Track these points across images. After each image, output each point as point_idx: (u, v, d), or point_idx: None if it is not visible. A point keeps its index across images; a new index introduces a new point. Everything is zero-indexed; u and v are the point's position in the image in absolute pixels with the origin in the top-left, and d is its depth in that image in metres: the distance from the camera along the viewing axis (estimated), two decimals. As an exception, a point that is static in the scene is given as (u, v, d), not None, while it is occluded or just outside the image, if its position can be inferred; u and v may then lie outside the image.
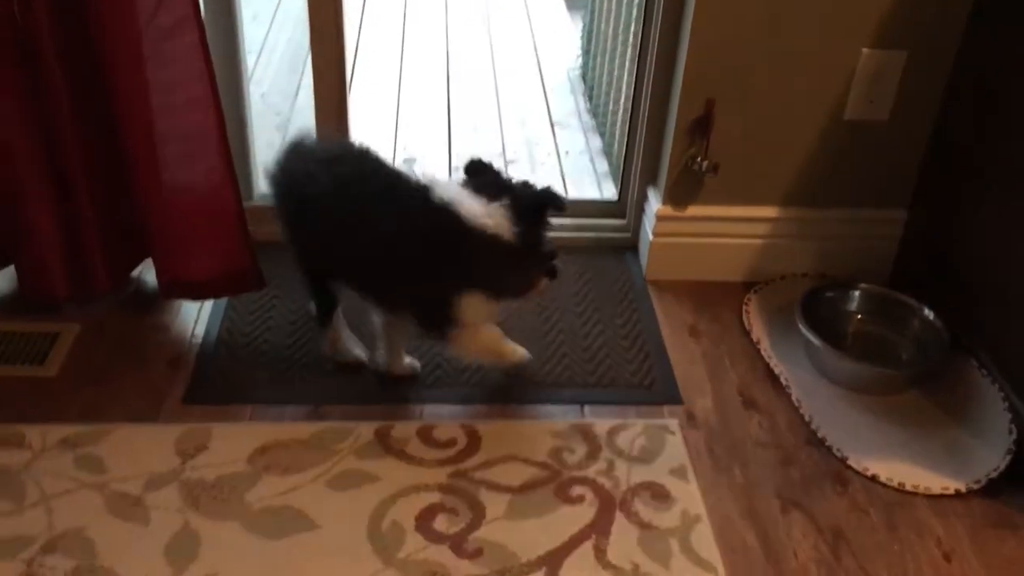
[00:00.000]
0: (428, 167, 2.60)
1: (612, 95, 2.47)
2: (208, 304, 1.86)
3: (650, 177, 2.01)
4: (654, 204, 1.97)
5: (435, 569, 1.37)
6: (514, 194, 1.53)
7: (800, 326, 1.76)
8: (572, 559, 1.40)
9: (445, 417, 1.64)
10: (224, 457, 1.53)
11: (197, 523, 1.42)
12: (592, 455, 1.57)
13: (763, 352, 1.82)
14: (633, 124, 2.01)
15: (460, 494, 1.49)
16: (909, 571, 1.42)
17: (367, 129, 2.78)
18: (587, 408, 1.68)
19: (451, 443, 1.58)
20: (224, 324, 1.81)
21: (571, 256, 1.99)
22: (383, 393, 1.68)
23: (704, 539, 1.44)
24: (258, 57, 3.05)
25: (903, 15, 1.74)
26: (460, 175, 1.61)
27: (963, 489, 1.54)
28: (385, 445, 1.57)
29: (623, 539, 1.43)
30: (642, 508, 1.48)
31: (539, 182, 1.59)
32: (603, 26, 2.69)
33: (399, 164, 2.36)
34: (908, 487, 1.54)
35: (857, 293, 1.88)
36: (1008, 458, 1.56)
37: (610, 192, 2.19)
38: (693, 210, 1.95)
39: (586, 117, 2.87)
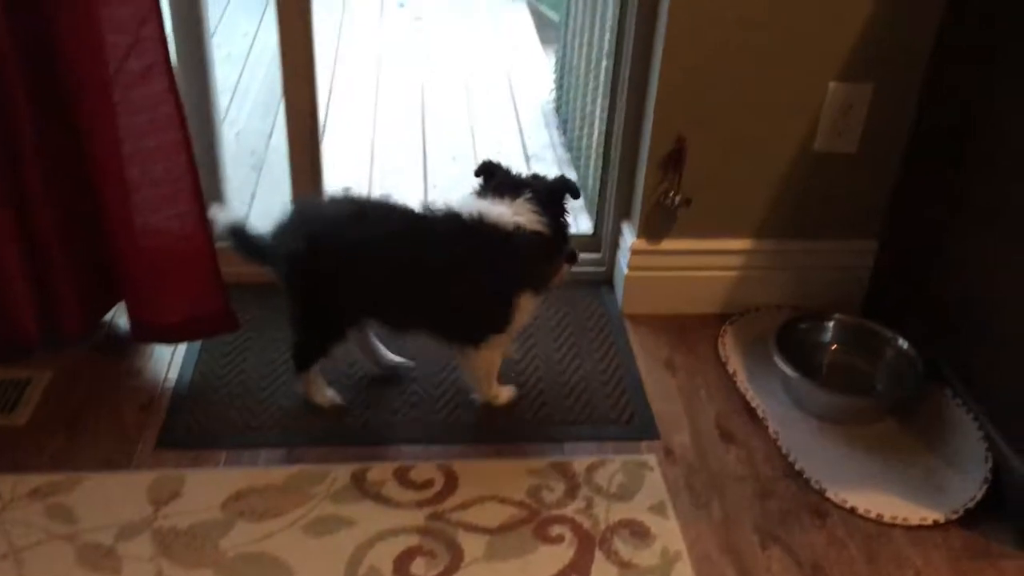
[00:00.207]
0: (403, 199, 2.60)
1: (586, 129, 2.49)
2: (181, 347, 1.84)
3: (624, 211, 2.02)
4: (628, 238, 1.98)
5: (413, 614, 1.35)
6: (532, 187, 1.60)
7: (775, 358, 1.76)
8: (551, 601, 1.39)
9: (421, 457, 1.63)
10: (197, 504, 1.51)
11: (170, 572, 1.40)
12: (570, 493, 1.57)
13: (739, 384, 1.82)
14: (606, 159, 2.02)
15: (438, 536, 1.47)
16: (889, 604, 1.42)
17: (342, 163, 2.79)
18: (565, 445, 1.68)
19: (428, 484, 1.57)
20: (198, 367, 1.79)
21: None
22: (358, 434, 1.67)
23: (684, 577, 1.43)
24: (232, 97, 3.05)
25: (868, 49, 1.77)
26: (474, 183, 1.67)
27: (941, 520, 1.54)
28: (361, 488, 1.55)
29: (603, 579, 1.42)
30: (622, 547, 1.47)
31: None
32: (575, 61, 2.71)
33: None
34: (887, 519, 1.54)
35: (831, 324, 1.89)
36: (985, 487, 1.57)
37: (586, 226, 2.20)
38: (667, 243, 1.96)
39: (561, 150, 2.89)
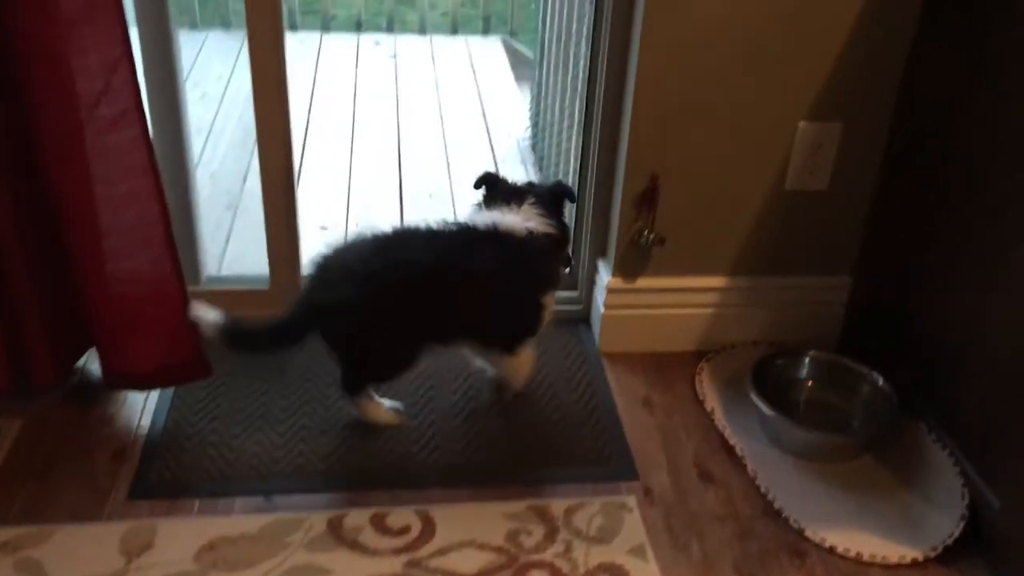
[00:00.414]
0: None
1: (561, 167, 2.50)
2: (154, 393, 1.82)
3: (600, 250, 2.02)
4: (604, 276, 1.99)
5: (390, 666, 1.33)
6: (534, 193, 1.71)
7: (752, 396, 1.77)
8: (531, 649, 1.37)
9: (399, 501, 1.61)
10: (170, 555, 1.48)
11: (142, 628, 1.37)
12: (550, 536, 1.55)
13: (717, 422, 1.82)
14: (581, 198, 2.03)
15: (415, 584, 1.45)
16: (870, 645, 1.42)
17: (319, 201, 2.78)
18: (543, 486, 1.66)
19: (405, 530, 1.55)
20: (171, 414, 1.77)
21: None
22: (335, 480, 1.65)
23: (664, 621, 1.42)
24: (207, 137, 3.05)
25: (837, 89, 1.79)
26: (474, 196, 1.76)
27: (920, 558, 1.54)
28: (337, 536, 1.53)
29: (582, 625, 1.41)
30: (601, 591, 1.46)
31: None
32: (550, 99, 2.74)
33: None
34: (865, 557, 1.54)
35: (807, 360, 1.90)
36: (962, 524, 1.57)
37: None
38: (643, 282, 1.96)
39: (537, 187, 2.90)
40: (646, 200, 1.87)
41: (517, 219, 1.66)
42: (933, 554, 1.54)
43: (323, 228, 2.66)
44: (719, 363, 1.97)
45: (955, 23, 1.69)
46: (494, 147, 3.23)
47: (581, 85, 2.03)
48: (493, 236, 1.63)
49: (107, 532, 1.52)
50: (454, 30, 4.42)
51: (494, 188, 1.74)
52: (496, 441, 1.75)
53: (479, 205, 1.74)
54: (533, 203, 1.69)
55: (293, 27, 4.30)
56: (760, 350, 1.95)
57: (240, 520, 1.56)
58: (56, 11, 1.44)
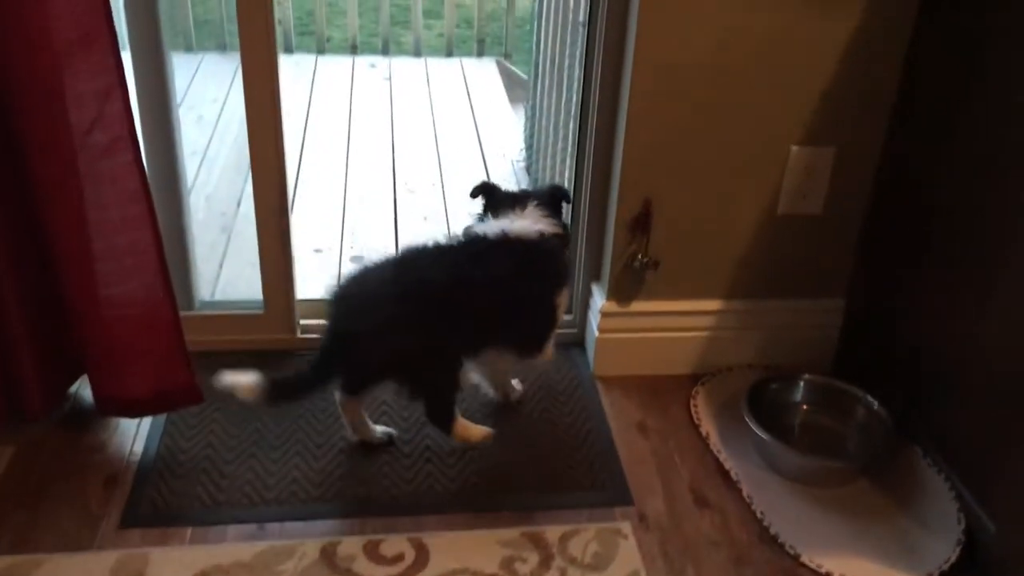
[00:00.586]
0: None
1: (555, 190, 2.50)
2: (147, 419, 1.81)
3: (594, 274, 2.02)
4: (598, 300, 1.99)
5: None
6: (535, 196, 1.74)
7: (747, 420, 1.76)
8: None
9: (392, 529, 1.60)
10: (162, 585, 1.47)
11: (132, 659, 1.36)
12: (544, 564, 1.54)
13: (712, 446, 1.82)
14: (574, 222, 2.03)
15: (409, 613, 1.44)
16: (867, 673, 1.41)
17: (313, 223, 2.79)
18: (537, 512, 1.66)
19: (399, 558, 1.54)
20: (163, 440, 1.76)
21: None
22: (328, 507, 1.64)
23: (659, 650, 1.41)
24: (202, 159, 3.05)
25: (829, 113, 1.80)
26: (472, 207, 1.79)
27: (916, 583, 1.53)
28: (331, 564, 1.52)
29: (577, 654, 1.40)
30: (596, 619, 1.45)
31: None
32: (544, 121, 2.75)
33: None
34: (862, 583, 1.53)
35: (801, 383, 1.89)
36: (959, 549, 1.57)
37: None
38: (637, 305, 1.96)
39: (531, 209, 2.90)
40: (639, 224, 1.88)
41: (526, 223, 1.68)
42: (929, 580, 1.53)
43: (317, 251, 2.66)
44: (714, 387, 1.97)
45: (946, 47, 1.70)
46: (489, 169, 3.24)
47: (574, 108, 2.03)
48: (507, 242, 1.65)
49: (98, 561, 1.51)
50: (449, 52, 4.44)
51: (492, 196, 1.76)
52: (490, 467, 1.74)
53: (480, 216, 1.75)
54: (537, 205, 1.71)
55: (288, 49, 4.32)
56: (755, 373, 1.95)
57: (233, 548, 1.55)
58: (48, 40, 1.44)
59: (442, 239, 1.68)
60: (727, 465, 1.77)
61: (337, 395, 1.73)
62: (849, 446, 1.83)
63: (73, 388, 1.86)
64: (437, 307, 1.59)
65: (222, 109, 3.43)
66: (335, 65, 4.23)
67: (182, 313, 1.69)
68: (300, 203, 2.93)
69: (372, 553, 1.54)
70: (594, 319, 2.01)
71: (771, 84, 1.77)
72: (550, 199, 1.75)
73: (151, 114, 1.83)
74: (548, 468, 1.75)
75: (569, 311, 2.11)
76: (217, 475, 1.69)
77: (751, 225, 1.90)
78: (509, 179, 3.15)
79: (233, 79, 3.59)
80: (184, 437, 1.77)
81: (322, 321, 2.03)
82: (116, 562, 1.51)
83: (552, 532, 1.60)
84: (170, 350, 1.67)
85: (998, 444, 1.56)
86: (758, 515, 1.66)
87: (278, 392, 1.59)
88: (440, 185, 3.11)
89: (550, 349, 1.81)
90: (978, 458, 1.64)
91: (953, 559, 1.55)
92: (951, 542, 1.58)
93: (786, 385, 1.89)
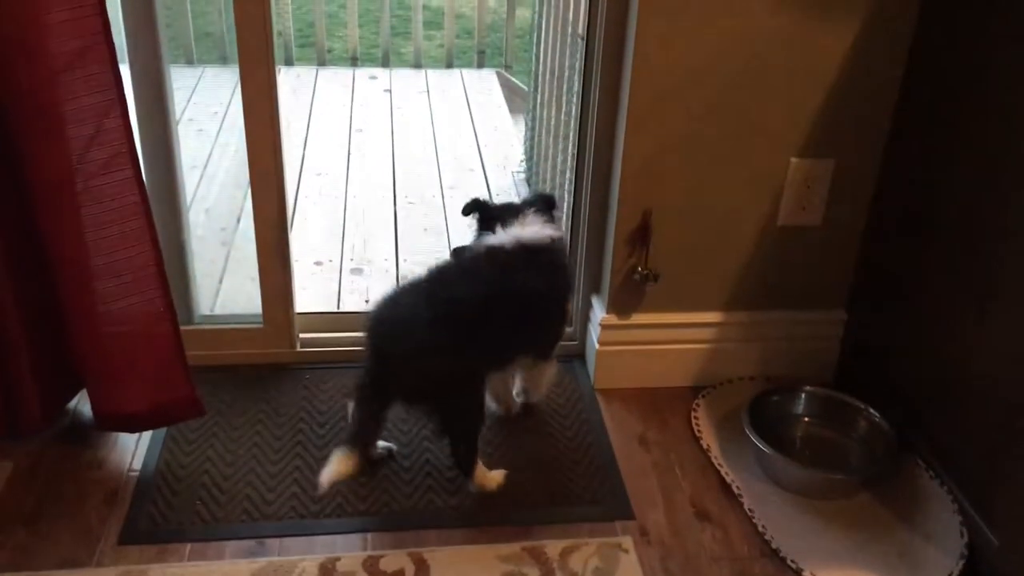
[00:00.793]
0: (379, 270, 2.62)
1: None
2: (146, 435, 1.80)
3: (594, 286, 2.02)
4: (599, 313, 1.98)
5: None
6: (531, 203, 1.76)
7: (748, 433, 1.75)
8: None
9: (391, 545, 1.60)
10: (160, 602, 1.46)
11: (131, 677, 1.35)
12: (545, 579, 1.54)
13: (714, 459, 1.81)
14: (574, 234, 2.03)
15: (408, 630, 1.44)
16: None
17: (313, 236, 2.79)
18: (537, 527, 1.65)
19: (398, 574, 1.53)
20: (162, 456, 1.76)
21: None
22: (327, 523, 1.63)
23: (661, 666, 1.40)
24: (202, 173, 3.05)
25: (828, 126, 1.80)
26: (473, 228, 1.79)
27: (919, 598, 1.52)
28: (330, 580, 1.52)
29: (578, 671, 1.39)
30: (596, 635, 1.44)
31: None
32: (543, 134, 2.75)
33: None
34: (864, 598, 1.53)
35: (803, 395, 1.89)
36: (961, 562, 1.56)
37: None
38: (637, 318, 1.96)
39: (532, 221, 2.90)
40: (639, 236, 1.87)
41: (535, 229, 1.70)
42: (933, 594, 1.52)
43: (318, 264, 2.66)
44: (715, 399, 1.96)
45: (946, 58, 1.70)
46: (489, 180, 3.24)
47: (574, 120, 2.03)
48: (525, 250, 1.67)
49: (97, 578, 1.50)
50: (449, 63, 4.45)
51: (485, 211, 1.76)
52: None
53: (478, 232, 1.75)
54: (537, 211, 1.73)
55: (289, 62, 4.33)
56: (756, 385, 1.94)
57: (232, 565, 1.54)
58: (47, 57, 1.44)
59: (462, 256, 1.70)
60: (728, 478, 1.76)
61: (357, 410, 1.66)
62: (851, 459, 1.82)
63: (72, 403, 1.86)
64: (475, 325, 1.59)
65: (222, 122, 3.43)
66: (336, 77, 4.24)
67: (182, 327, 1.69)
68: (300, 216, 2.93)
69: (372, 569, 1.54)
70: (594, 332, 2.00)
71: (770, 96, 1.77)
72: (543, 205, 1.77)
73: (150, 129, 1.83)
74: (549, 482, 1.74)
75: (569, 323, 2.11)
76: (216, 491, 1.68)
77: (751, 237, 1.89)
78: (510, 190, 3.15)
79: (234, 92, 3.58)
80: (183, 452, 1.77)
81: (320, 335, 2.05)
82: (115, 579, 1.50)
83: (553, 547, 1.60)
84: (170, 364, 1.67)
85: (1001, 456, 1.56)
86: (760, 528, 1.65)
87: (366, 444, 1.64)
88: (441, 197, 3.11)
89: (555, 361, 1.84)
90: (981, 470, 1.63)
91: (956, 572, 1.54)
92: (954, 555, 1.57)
93: (787, 397, 1.89)
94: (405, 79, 4.27)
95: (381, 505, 1.67)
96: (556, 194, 2.45)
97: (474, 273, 1.67)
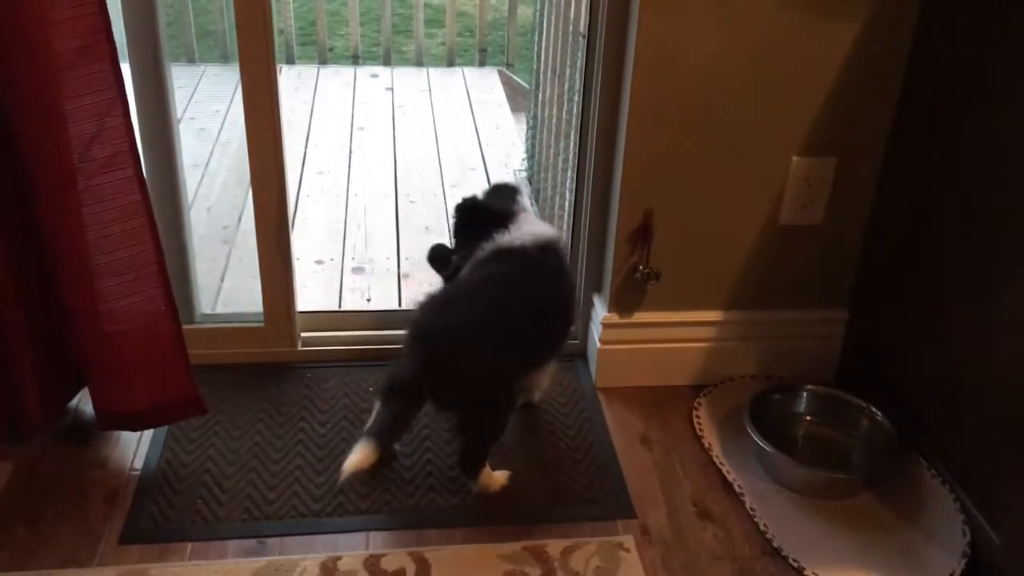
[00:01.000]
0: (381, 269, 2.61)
1: (557, 200, 2.50)
2: (148, 434, 1.80)
3: (595, 285, 2.02)
4: (600, 311, 1.98)
5: None
6: (515, 198, 1.80)
7: (750, 432, 1.75)
8: None
9: (393, 544, 1.59)
10: (162, 601, 1.46)
11: (132, 676, 1.35)
12: (546, 578, 1.54)
13: (715, 458, 1.81)
14: (575, 233, 2.03)
15: (410, 629, 1.44)
16: None
17: (316, 234, 2.79)
18: (539, 526, 1.65)
19: (400, 573, 1.53)
20: (164, 454, 1.76)
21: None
22: (329, 522, 1.63)
23: (662, 665, 1.40)
24: (204, 172, 3.05)
25: (830, 124, 1.79)
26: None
27: (921, 597, 1.52)
28: (331, 579, 1.51)
29: (579, 670, 1.39)
30: (598, 634, 1.44)
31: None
32: (545, 132, 2.74)
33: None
34: (866, 597, 1.52)
35: (804, 394, 1.89)
36: (964, 561, 1.55)
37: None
38: (639, 316, 1.96)
39: (533, 219, 2.90)
40: (640, 235, 1.87)
41: (541, 225, 1.75)
42: (935, 593, 1.52)
43: (319, 262, 2.66)
44: (716, 397, 1.96)
45: (947, 56, 1.69)
46: (490, 179, 3.24)
47: (575, 119, 2.03)
48: (543, 251, 1.70)
49: (98, 578, 1.50)
50: (451, 62, 4.45)
51: (480, 212, 1.78)
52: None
53: (460, 234, 1.79)
54: (527, 209, 1.77)
55: (290, 60, 4.33)
56: (757, 384, 1.94)
57: (233, 564, 1.54)
58: (50, 56, 1.44)
59: (501, 261, 1.69)
60: (730, 477, 1.76)
61: (384, 408, 1.63)
62: (853, 458, 1.82)
63: (73, 402, 1.86)
64: (525, 329, 1.62)
65: (224, 121, 3.44)
66: (337, 75, 4.24)
67: (183, 326, 1.69)
68: (302, 214, 2.93)
69: (373, 568, 1.54)
70: (596, 330, 2.00)
71: (772, 94, 1.76)
72: (515, 196, 1.81)
73: (152, 127, 1.83)
74: (550, 481, 1.74)
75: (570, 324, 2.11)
76: (218, 490, 1.68)
77: (752, 235, 1.89)
78: (511, 189, 3.14)
79: (235, 91, 3.59)
80: (185, 451, 1.77)
81: (322, 333, 2.05)
82: (116, 578, 1.50)
83: (554, 546, 1.60)
84: (172, 362, 1.67)
85: (1003, 456, 1.55)
86: (761, 527, 1.65)
87: (389, 441, 1.64)
88: (442, 195, 3.10)
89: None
90: (983, 470, 1.63)
91: (958, 572, 1.54)
92: (956, 554, 1.57)
93: (789, 396, 1.88)
94: (406, 77, 4.27)
95: (382, 504, 1.67)
96: (558, 192, 2.46)
97: (518, 278, 1.67)
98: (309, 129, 3.57)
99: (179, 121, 1.93)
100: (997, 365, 1.57)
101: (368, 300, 2.49)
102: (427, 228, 2.91)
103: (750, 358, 2.00)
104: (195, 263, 2.02)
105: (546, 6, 2.70)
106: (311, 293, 2.48)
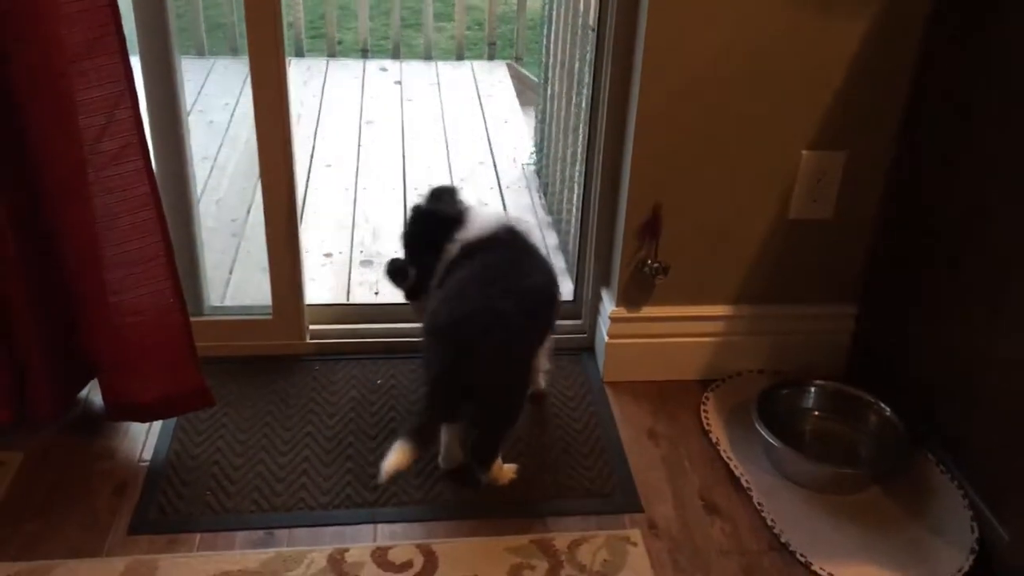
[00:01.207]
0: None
1: (566, 194, 2.50)
2: (156, 425, 1.81)
3: (603, 279, 2.02)
4: (608, 305, 1.98)
5: None
6: (452, 195, 1.86)
7: (758, 427, 1.75)
8: None
9: (400, 536, 1.60)
10: (170, 592, 1.47)
11: (141, 666, 1.36)
12: (553, 571, 1.54)
13: (723, 453, 1.80)
14: (584, 227, 2.02)
15: (417, 621, 1.44)
16: None
17: (324, 227, 2.79)
18: (546, 519, 1.65)
19: (407, 566, 1.53)
20: (172, 446, 1.76)
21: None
22: (337, 514, 1.64)
23: (669, 659, 1.40)
24: (213, 164, 3.06)
25: (840, 118, 1.79)
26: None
27: (929, 592, 1.52)
28: (339, 571, 1.52)
29: (585, 663, 1.39)
30: (605, 628, 1.44)
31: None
32: (554, 126, 2.74)
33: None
34: (873, 592, 1.52)
35: (813, 389, 1.88)
36: (972, 557, 1.55)
37: (567, 287, 2.20)
38: (647, 310, 1.95)
39: (542, 213, 2.90)
40: (649, 229, 1.87)
41: (495, 214, 1.87)
42: (942, 589, 1.52)
43: (327, 255, 2.66)
44: (724, 392, 1.96)
45: (957, 50, 1.68)
46: (499, 171, 3.23)
47: (584, 112, 2.03)
48: (510, 232, 1.76)
49: (106, 568, 1.51)
50: (460, 55, 4.44)
51: (433, 218, 1.82)
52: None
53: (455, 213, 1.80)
54: (472, 205, 1.82)
55: (299, 53, 4.33)
56: (765, 379, 1.93)
57: (241, 555, 1.55)
58: (60, 48, 1.44)
59: (514, 243, 1.76)
60: (737, 472, 1.76)
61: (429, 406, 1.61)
62: (861, 453, 1.81)
63: (83, 393, 1.86)
64: (539, 313, 1.70)
65: (233, 114, 3.44)
66: (346, 69, 4.23)
67: (192, 318, 1.70)
68: (310, 207, 2.93)
69: (381, 560, 1.54)
70: (604, 325, 2.00)
71: (782, 88, 1.76)
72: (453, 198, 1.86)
73: (161, 120, 1.84)
74: (557, 475, 1.74)
75: (579, 316, 2.11)
76: (226, 481, 1.69)
77: (762, 230, 1.89)
78: (519, 183, 3.14)
79: (244, 84, 3.59)
80: (193, 443, 1.77)
81: (330, 326, 2.05)
82: (125, 568, 1.51)
83: (561, 539, 1.60)
84: (180, 354, 1.67)
85: (1012, 451, 1.55)
86: (769, 522, 1.65)
87: (429, 442, 1.60)
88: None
89: None
90: (992, 466, 1.62)
91: (966, 568, 1.54)
92: (964, 551, 1.56)
93: (797, 391, 1.88)
94: (415, 71, 4.26)
95: (390, 496, 1.67)
96: (567, 186, 2.46)
97: (511, 261, 1.71)
98: (318, 122, 3.57)
99: (188, 114, 1.93)
100: (1008, 360, 1.57)
101: (376, 293, 2.49)
102: (435, 222, 2.90)
103: (758, 353, 2.00)
104: (204, 255, 2.03)
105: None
106: (319, 286, 2.48)
